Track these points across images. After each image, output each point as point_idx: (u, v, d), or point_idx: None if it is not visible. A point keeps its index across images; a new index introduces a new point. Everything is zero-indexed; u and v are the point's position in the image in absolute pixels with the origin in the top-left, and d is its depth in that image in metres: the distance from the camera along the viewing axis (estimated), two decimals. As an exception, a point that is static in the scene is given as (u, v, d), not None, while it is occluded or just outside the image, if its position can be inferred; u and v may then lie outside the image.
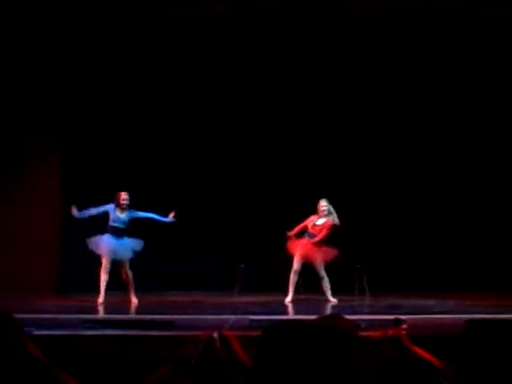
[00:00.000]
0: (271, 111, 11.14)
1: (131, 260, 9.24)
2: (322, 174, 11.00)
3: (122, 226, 9.08)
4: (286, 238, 9.57)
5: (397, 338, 2.50)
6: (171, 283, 10.68)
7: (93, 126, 11.12)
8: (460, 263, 10.88)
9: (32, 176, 10.87)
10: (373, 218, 10.92)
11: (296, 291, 9.77)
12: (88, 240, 9.08)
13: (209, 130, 11.20)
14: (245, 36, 10.72)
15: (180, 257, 11.04)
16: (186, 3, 9.95)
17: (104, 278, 8.92)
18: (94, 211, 9.04)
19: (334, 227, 9.45)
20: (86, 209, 9.09)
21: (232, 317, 6.71)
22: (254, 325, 5.64)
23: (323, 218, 9.49)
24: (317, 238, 9.40)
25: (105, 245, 9.00)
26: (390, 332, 2.54)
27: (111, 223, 9.04)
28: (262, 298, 9.68)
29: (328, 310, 8.58)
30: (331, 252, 9.45)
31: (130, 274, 9.09)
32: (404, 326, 5.14)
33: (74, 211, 8.98)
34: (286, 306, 9.08)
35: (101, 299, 8.82)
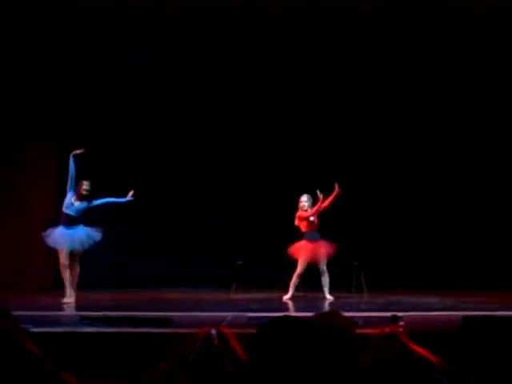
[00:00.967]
0: (273, 107, 11.13)
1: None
2: (321, 169, 11.00)
3: (74, 214, 8.64)
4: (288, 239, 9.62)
5: (394, 335, 2.50)
6: (169, 280, 10.69)
7: (89, 124, 11.08)
8: (458, 260, 10.89)
9: (30, 174, 10.86)
10: (370, 214, 10.93)
11: (295, 289, 9.79)
12: (44, 235, 8.66)
13: (208, 124, 11.18)
14: (247, 33, 10.71)
15: (178, 253, 11.04)
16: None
17: (66, 274, 8.54)
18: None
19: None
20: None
21: (230, 314, 6.73)
22: (251, 322, 5.65)
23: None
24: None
25: (58, 238, 8.60)
26: (388, 329, 2.54)
27: (64, 209, 8.64)
28: (260, 295, 9.70)
29: (326, 308, 8.59)
30: (332, 247, 9.43)
31: (78, 268, 8.67)
32: (401, 323, 5.16)
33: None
34: (284, 303, 9.09)
35: (68, 299, 8.49)
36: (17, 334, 2.31)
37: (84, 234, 8.66)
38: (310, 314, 2.28)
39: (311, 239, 9.50)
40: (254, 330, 2.11)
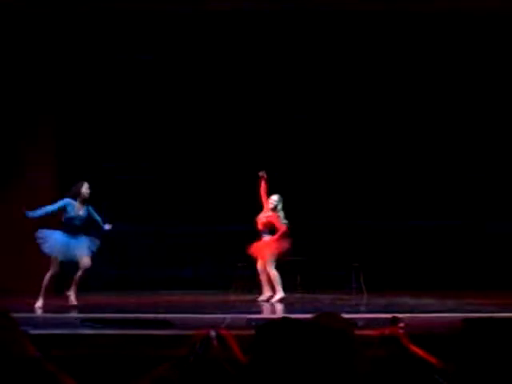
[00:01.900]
0: (265, 109, 11.13)
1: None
2: (321, 170, 11.02)
3: (78, 223, 8.36)
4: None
5: (394, 336, 2.51)
6: (169, 283, 10.69)
7: (88, 123, 11.10)
8: (458, 261, 10.90)
9: (28, 175, 10.85)
10: (370, 216, 10.93)
11: (293, 290, 9.79)
12: (41, 239, 8.27)
13: (207, 123, 11.18)
14: (239, 34, 10.72)
15: (177, 256, 11.05)
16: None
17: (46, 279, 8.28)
18: (49, 208, 8.28)
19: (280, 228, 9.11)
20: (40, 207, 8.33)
21: (229, 316, 6.72)
22: (251, 324, 5.65)
23: (268, 212, 9.22)
24: (275, 236, 9.07)
25: (57, 245, 8.27)
26: (387, 331, 2.55)
27: (67, 217, 8.31)
28: (261, 297, 9.68)
29: (326, 309, 8.59)
30: (281, 245, 9.11)
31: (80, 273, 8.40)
32: (401, 325, 5.15)
33: (27, 212, 8.13)
34: (278, 305, 9.06)
35: (40, 303, 8.21)
36: (16, 335, 2.32)
37: (84, 244, 8.39)
38: (308, 316, 2.29)
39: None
40: (253, 332, 2.12)
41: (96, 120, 11.09)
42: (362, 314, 7.49)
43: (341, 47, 10.87)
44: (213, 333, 2.43)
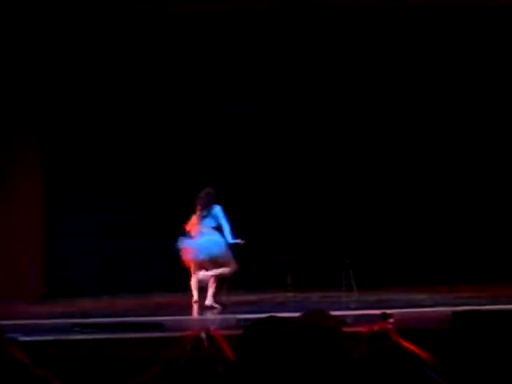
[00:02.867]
0: (262, 113, 11.12)
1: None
2: (310, 169, 11.03)
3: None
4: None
5: (384, 332, 2.51)
6: (159, 284, 10.67)
7: (75, 127, 11.04)
8: (447, 256, 10.93)
9: (15, 179, 10.79)
10: (360, 213, 10.94)
11: (283, 289, 9.81)
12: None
13: (195, 127, 11.15)
14: (239, 35, 10.67)
15: (167, 257, 11.02)
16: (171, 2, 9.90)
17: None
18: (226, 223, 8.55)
19: None
20: None
21: (219, 316, 6.72)
22: (241, 324, 5.64)
23: None
24: None
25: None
26: (377, 327, 2.56)
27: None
28: (250, 298, 9.69)
29: (315, 307, 8.58)
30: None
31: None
32: (391, 321, 5.17)
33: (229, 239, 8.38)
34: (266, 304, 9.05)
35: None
36: (2, 342, 2.31)
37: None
38: (297, 314, 2.29)
39: None
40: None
41: (79, 120, 11.03)
42: (352, 310, 7.51)
43: (338, 46, 10.82)
44: (203, 334, 2.42)
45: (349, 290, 10.08)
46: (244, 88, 11.02)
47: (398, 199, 11.18)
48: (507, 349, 2.05)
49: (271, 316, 2.10)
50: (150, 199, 11.05)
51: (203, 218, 8.47)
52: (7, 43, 10.31)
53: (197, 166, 11.10)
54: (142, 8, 9.87)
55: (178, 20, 10.38)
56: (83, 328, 6.01)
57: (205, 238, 8.39)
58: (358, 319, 5.83)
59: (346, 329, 2.12)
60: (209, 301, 8.37)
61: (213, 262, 8.41)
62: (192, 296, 8.51)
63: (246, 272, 10.48)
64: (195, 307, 8.35)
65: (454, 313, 4.98)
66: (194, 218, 8.63)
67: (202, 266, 8.40)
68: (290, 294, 9.76)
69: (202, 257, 8.31)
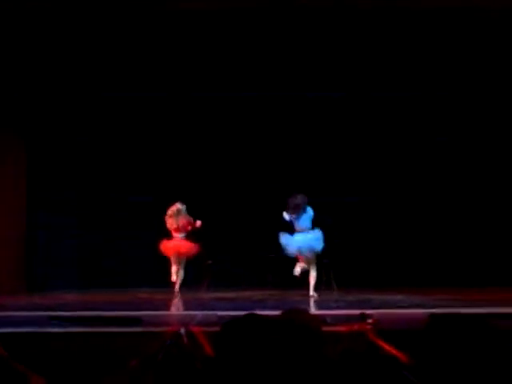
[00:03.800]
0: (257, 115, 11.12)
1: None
2: (293, 168, 11.06)
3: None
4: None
5: (362, 332, 2.53)
6: (140, 279, 10.65)
7: (59, 123, 11.01)
8: (427, 259, 11.01)
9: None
10: (339, 213, 10.99)
11: (264, 287, 9.82)
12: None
13: (176, 120, 11.14)
14: (234, 33, 10.63)
15: (149, 253, 11.00)
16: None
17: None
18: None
19: None
20: None
21: (200, 313, 6.72)
22: (221, 321, 5.63)
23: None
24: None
25: None
26: (356, 327, 2.57)
27: None
28: (231, 294, 9.69)
29: (295, 305, 8.61)
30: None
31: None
32: (370, 321, 5.19)
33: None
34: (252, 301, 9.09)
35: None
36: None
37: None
38: (277, 312, 2.30)
39: None
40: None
41: (63, 117, 10.98)
42: (332, 310, 7.53)
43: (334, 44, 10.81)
44: (182, 330, 2.43)
45: (328, 289, 10.12)
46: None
47: (380, 201, 11.25)
48: (483, 352, 2.07)
49: (250, 313, 2.11)
50: (130, 192, 11.04)
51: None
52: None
53: (178, 161, 11.11)
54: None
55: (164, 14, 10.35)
56: (61, 321, 5.98)
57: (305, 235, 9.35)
58: (337, 319, 5.84)
59: (325, 328, 2.13)
60: (312, 291, 9.30)
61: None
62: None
63: (227, 269, 10.51)
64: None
65: (431, 315, 5.02)
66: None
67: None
68: (270, 292, 9.78)
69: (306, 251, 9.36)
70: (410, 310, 7.43)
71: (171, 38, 10.21)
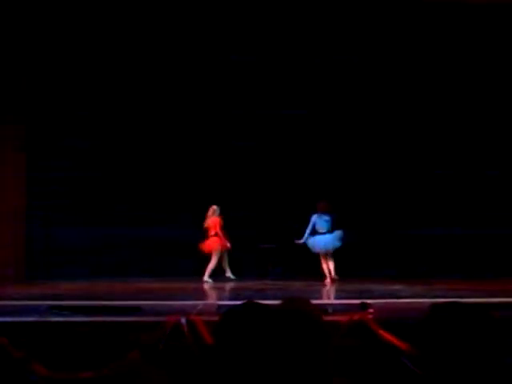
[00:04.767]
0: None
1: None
2: (291, 164, 11.06)
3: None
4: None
5: (363, 322, 2.53)
6: (140, 269, 10.66)
7: (57, 112, 10.98)
8: (429, 249, 11.01)
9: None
10: (339, 204, 10.98)
11: (265, 277, 9.83)
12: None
13: (164, 124, 11.15)
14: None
15: (150, 244, 11.01)
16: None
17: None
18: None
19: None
20: None
21: (201, 302, 6.73)
22: (222, 310, 5.63)
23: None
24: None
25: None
26: (357, 316, 2.57)
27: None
28: (232, 284, 9.71)
29: (296, 295, 8.61)
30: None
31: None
32: (370, 311, 5.19)
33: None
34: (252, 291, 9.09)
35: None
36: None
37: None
38: (278, 302, 2.29)
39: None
40: (223, 318, 2.11)
41: (61, 105, 10.96)
42: (332, 299, 7.54)
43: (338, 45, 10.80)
44: (183, 319, 2.42)
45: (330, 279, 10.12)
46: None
47: (378, 192, 11.23)
48: (484, 341, 2.06)
49: (249, 301, 2.10)
50: (134, 190, 11.04)
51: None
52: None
53: (173, 159, 11.10)
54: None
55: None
56: (61, 310, 5.98)
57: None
58: (338, 308, 5.85)
59: (326, 317, 2.13)
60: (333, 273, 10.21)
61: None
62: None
63: (229, 260, 10.51)
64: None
65: (433, 304, 5.01)
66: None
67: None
68: (270, 282, 9.79)
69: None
70: (411, 299, 7.44)
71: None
